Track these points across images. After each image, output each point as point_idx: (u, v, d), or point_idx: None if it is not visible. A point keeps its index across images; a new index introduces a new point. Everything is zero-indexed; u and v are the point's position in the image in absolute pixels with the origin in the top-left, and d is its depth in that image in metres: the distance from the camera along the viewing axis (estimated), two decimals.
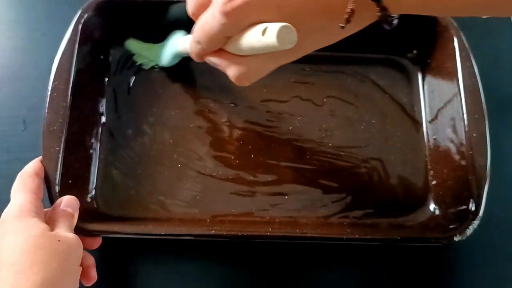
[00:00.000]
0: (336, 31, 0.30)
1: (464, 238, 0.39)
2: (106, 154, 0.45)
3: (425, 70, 0.49)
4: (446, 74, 0.46)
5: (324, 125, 0.47)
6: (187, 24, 0.46)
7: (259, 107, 0.48)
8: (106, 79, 0.48)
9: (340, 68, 0.49)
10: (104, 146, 0.45)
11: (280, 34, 0.28)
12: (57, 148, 0.40)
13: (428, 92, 0.49)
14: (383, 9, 0.29)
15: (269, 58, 0.33)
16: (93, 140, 0.45)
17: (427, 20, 0.46)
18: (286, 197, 0.44)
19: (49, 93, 0.42)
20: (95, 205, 0.43)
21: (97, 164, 0.45)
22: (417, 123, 0.48)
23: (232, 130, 0.47)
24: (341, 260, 0.44)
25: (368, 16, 0.30)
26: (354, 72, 0.49)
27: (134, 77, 0.48)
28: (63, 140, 0.41)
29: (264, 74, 0.35)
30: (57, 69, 0.43)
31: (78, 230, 0.37)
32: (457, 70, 0.44)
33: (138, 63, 0.48)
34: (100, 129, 0.46)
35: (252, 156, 0.46)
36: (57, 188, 0.39)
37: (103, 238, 0.41)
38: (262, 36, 0.29)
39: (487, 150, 0.42)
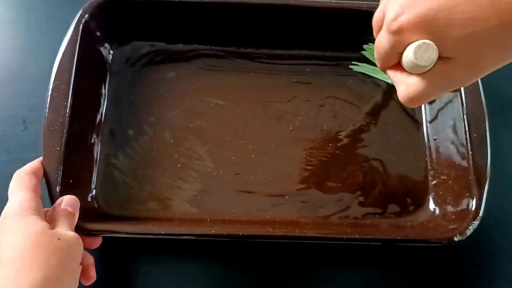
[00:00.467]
0: None
1: (464, 238, 0.39)
2: (107, 153, 0.45)
3: None
4: None
5: (324, 126, 0.47)
6: (194, 25, 0.46)
7: (260, 107, 0.48)
8: (107, 79, 0.48)
9: (341, 69, 0.49)
10: (104, 146, 0.45)
11: (417, 50, 0.28)
12: (57, 148, 0.40)
13: None
14: None
15: (439, 79, 0.30)
16: (93, 140, 0.45)
17: None
18: (286, 197, 0.44)
19: (49, 92, 0.42)
20: (95, 205, 0.43)
21: (97, 164, 0.45)
22: (418, 124, 0.48)
23: (232, 130, 0.47)
24: (341, 260, 0.44)
25: None
26: (355, 72, 0.49)
27: (135, 77, 0.48)
28: (63, 140, 0.41)
29: (432, 97, 0.32)
30: (58, 68, 0.43)
31: (78, 230, 0.37)
32: None
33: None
34: (100, 129, 0.46)
35: (252, 156, 0.46)
36: (57, 188, 0.39)
37: (103, 238, 0.41)
38: (406, 52, 0.30)
39: (487, 150, 0.42)
